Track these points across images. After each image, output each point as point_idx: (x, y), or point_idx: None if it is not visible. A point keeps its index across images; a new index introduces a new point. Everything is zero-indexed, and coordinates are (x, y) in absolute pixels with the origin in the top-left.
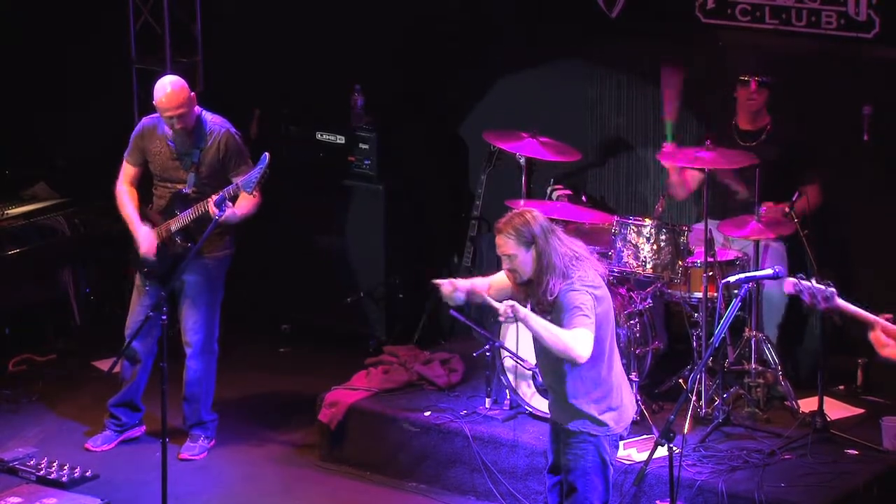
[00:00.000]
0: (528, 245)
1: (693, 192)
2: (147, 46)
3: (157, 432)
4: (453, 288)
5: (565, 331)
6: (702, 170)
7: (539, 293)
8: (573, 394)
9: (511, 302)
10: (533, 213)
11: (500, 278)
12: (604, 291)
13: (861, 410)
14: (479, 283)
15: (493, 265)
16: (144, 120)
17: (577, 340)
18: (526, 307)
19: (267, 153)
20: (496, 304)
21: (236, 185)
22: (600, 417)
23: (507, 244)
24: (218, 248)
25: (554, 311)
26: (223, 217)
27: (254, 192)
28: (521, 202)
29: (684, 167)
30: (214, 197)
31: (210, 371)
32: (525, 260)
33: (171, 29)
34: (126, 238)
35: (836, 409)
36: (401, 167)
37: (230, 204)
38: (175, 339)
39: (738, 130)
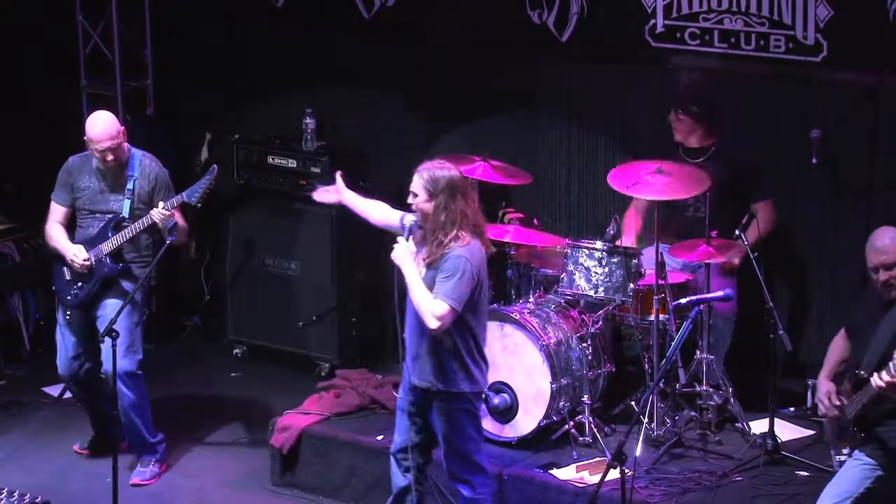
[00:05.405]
0: (431, 194)
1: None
2: (97, 71)
3: (107, 456)
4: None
5: (427, 297)
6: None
7: (430, 243)
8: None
9: (407, 246)
10: (453, 170)
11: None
12: (484, 267)
13: (811, 432)
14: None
15: None
16: (71, 159)
17: (432, 311)
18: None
19: (216, 165)
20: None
21: (181, 196)
22: None
23: (415, 183)
24: (140, 272)
25: (438, 266)
26: (175, 240)
27: (198, 203)
28: None
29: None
30: (153, 211)
31: (142, 394)
32: (425, 205)
33: (120, 53)
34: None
35: (786, 431)
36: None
37: (181, 225)
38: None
39: (683, 148)
